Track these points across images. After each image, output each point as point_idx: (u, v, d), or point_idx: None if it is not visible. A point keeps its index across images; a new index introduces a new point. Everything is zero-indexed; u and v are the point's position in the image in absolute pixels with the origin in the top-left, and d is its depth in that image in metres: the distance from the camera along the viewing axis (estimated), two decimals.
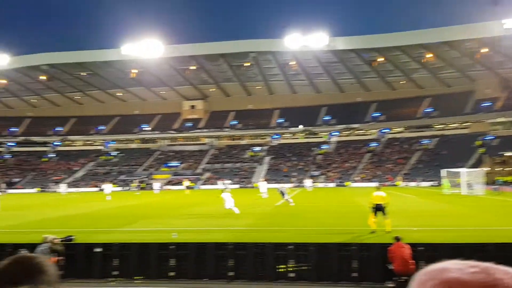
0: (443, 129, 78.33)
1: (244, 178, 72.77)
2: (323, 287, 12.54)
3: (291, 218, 23.14)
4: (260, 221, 21.76)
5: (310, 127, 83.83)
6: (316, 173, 72.27)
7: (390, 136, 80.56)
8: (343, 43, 69.28)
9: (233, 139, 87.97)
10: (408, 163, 71.37)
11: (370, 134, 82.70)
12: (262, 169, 75.65)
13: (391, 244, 11.12)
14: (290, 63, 76.83)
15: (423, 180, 62.26)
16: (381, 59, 72.82)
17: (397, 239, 10.95)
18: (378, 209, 16.92)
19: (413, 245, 12.39)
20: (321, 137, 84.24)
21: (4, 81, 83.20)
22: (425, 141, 75.73)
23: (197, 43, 74.59)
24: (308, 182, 57.14)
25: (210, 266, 13.78)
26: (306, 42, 68.43)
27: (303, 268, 13.23)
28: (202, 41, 75.76)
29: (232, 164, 78.31)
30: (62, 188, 60.99)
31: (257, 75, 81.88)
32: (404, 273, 10.67)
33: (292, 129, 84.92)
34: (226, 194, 25.09)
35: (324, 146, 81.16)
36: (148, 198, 43.03)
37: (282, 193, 29.63)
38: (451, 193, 41.61)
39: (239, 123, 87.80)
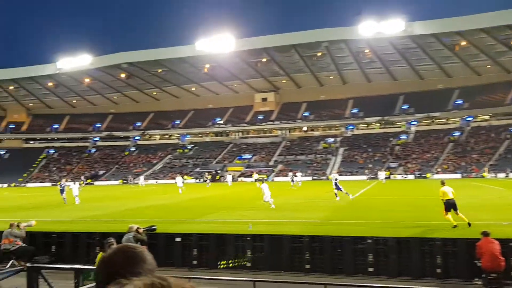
0: None
1: (317, 170, 72.00)
2: (404, 283, 11.95)
3: (367, 211, 22.41)
4: (336, 214, 21.28)
5: (386, 117, 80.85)
6: (394, 164, 69.73)
7: (475, 124, 75.58)
8: (421, 28, 65.92)
9: (306, 131, 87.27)
10: (495, 153, 66.61)
11: (452, 123, 78.13)
12: (336, 161, 74.39)
13: (478, 239, 10.37)
14: (364, 51, 74.55)
15: None
16: (464, 43, 68.40)
17: (486, 234, 10.18)
18: (451, 204, 15.97)
19: (503, 241, 11.43)
20: (399, 127, 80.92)
21: (88, 80, 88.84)
22: None
23: (268, 35, 74.66)
24: (381, 174, 55.36)
25: (286, 258, 13.68)
26: (381, 28, 66.01)
27: (382, 262, 12.75)
28: (273, 33, 75.84)
29: (305, 156, 77.77)
30: (141, 180, 64.19)
31: (329, 64, 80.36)
32: (494, 270, 9.93)
33: (368, 119, 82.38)
34: (265, 186, 24.49)
35: (402, 137, 78.01)
36: (222, 190, 43.90)
37: (337, 186, 28.54)
38: None
39: (312, 114, 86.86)
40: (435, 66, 76.86)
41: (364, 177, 62.85)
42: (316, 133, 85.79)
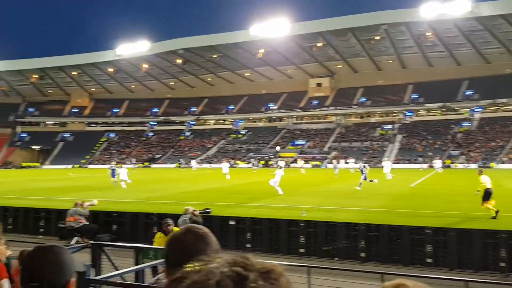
0: None
1: (373, 157, 70.33)
2: (464, 275, 11.42)
3: (427, 200, 21.63)
4: (394, 203, 20.67)
5: (448, 103, 77.20)
6: (455, 153, 66.70)
7: None
8: (489, 9, 62.07)
9: (362, 117, 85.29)
10: None
11: None
12: (393, 148, 72.31)
13: None
14: (426, 34, 71.35)
15: None
16: None
17: None
18: (490, 193, 16.16)
19: None
20: (462, 113, 77.03)
21: (146, 66, 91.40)
22: None
23: (324, 19, 73.19)
24: (437, 163, 52.87)
25: (340, 246, 13.47)
26: (444, 10, 62.79)
27: (441, 254, 12.28)
28: (329, 16, 74.11)
29: (360, 143, 76.15)
30: (193, 163, 65.70)
31: (388, 48, 77.68)
32: None
33: (428, 105, 78.99)
34: (279, 171, 25.45)
35: (465, 124, 74.29)
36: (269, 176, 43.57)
37: (362, 172, 28.20)
38: None
39: (368, 100, 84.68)
40: (503, 50, 72.27)
41: (423, 166, 60.62)
42: (372, 119, 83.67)
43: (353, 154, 71.02)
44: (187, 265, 0.82)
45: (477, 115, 75.20)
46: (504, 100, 73.32)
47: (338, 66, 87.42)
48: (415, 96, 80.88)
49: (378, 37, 74.11)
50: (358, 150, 73.44)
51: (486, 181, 16.53)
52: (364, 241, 13.01)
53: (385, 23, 68.42)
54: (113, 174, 31.87)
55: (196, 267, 0.80)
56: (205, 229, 1.69)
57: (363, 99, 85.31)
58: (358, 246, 13.03)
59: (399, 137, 75.21)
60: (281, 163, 57.96)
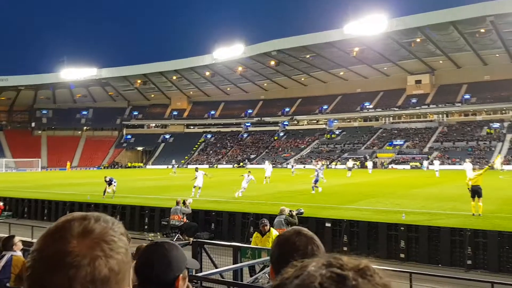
0: None
1: (480, 158, 65.32)
2: None
3: None
4: (506, 207, 18.98)
5: None
6: None
7: None
8: None
9: (466, 115, 79.62)
10: None
11: None
12: (502, 148, 66.56)
13: None
14: None
15: None
16: None
17: None
18: (476, 191, 16.11)
19: None
20: None
21: (240, 68, 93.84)
22: None
23: (424, 13, 69.44)
24: (497, 164, 43.77)
25: (444, 252, 12.72)
26: None
27: None
28: (429, 10, 70.15)
29: (465, 142, 71.13)
30: (290, 164, 65.91)
31: (495, 41, 71.59)
32: None
33: None
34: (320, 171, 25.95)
35: None
36: (363, 177, 42.34)
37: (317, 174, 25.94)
38: None
39: (473, 97, 78.85)
40: None
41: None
42: (478, 118, 77.75)
43: (457, 154, 66.63)
44: (284, 271, 0.85)
45: None
46: None
47: (439, 62, 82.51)
48: None
49: (483, 30, 68.55)
50: (463, 150, 68.68)
51: (471, 178, 16.85)
52: (470, 247, 12.16)
53: (491, 14, 63.12)
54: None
55: (294, 272, 0.82)
56: (311, 232, 1.73)
57: (467, 96, 79.65)
58: (464, 252, 12.19)
59: (509, 136, 69.06)
60: (369, 164, 55.50)
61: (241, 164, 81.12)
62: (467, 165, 30.96)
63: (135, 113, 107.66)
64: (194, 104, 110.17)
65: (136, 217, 18.91)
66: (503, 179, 37.99)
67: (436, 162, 43.13)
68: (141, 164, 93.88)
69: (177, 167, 51.80)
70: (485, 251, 12.20)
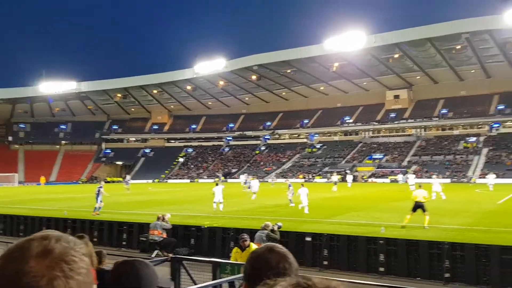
0: None
1: (457, 171, 66.55)
2: None
3: None
4: (482, 221, 19.31)
5: None
6: None
7: None
8: None
9: (443, 129, 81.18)
10: None
11: None
12: (479, 162, 67.90)
13: None
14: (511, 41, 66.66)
15: None
16: None
17: None
18: (418, 206, 17.30)
19: None
20: None
21: (222, 82, 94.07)
22: None
23: (401, 29, 70.96)
24: (490, 178, 44.36)
25: (423, 265, 12.83)
26: None
27: None
28: (407, 26, 71.71)
29: (442, 156, 72.42)
30: (270, 178, 65.95)
31: (470, 57, 73.51)
32: None
33: None
34: (303, 190, 24.94)
35: None
36: (345, 191, 42.65)
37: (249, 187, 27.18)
38: None
39: (450, 112, 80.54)
40: None
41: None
42: (455, 132, 79.35)
43: (435, 168, 67.65)
44: None
45: None
46: None
47: (417, 77, 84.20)
48: (501, 106, 75.68)
49: (459, 46, 70.37)
50: (441, 164, 69.89)
51: (415, 195, 17.79)
52: (448, 260, 12.30)
53: (466, 31, 64.90)
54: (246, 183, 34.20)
55: None
56: (285, 249, 1.71)
57: (444, 111, 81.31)
58: (442, 266, 12.33)
59: (484, 150, 70.56)
60: (349, 178, 55.90)
61: (222, 178, 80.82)
62: (434, 181, 31.72)
63: (115, 127, 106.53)
64: (175, 118, 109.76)
65: (114, 233, 18.61)
66: (480, 192, 38.69)
67: (411, 177, 43.28)
68: (121, 179, 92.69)
69: (130, 183, 50.73)
70: (463, 264, 12.34)
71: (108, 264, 5.34)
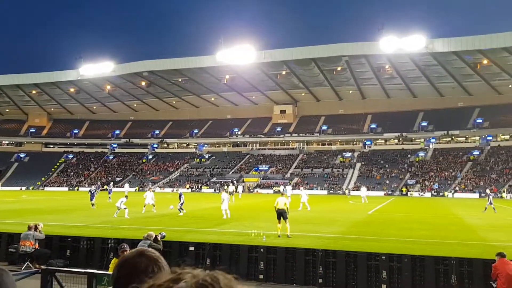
0: None
1: (334, 184, 71.56)
2: None
3: (383, 227, 22.18)
4: (352, 229, 21.05)
5: (405, 133, 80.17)
6: (411, 181, 68.89)
7: (495, 144, 74.39)
8: (442, 45, 65.38)
9: (323, 144, 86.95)
10: None
11: (472, 142, 77.11)
12: (353, 176, 73.80)
13: (494, 260, 10.19)
14: (385, 67, 74.18)
15: None
16: (485, 62, 67.50)
17: (502, 255, 9.98)
18: (280, 214, 17.55)
19: None
20: (418, 144, 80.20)
21: (109, 87, 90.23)
22: None
23: (289, 48, 74.89)
24: (363, 191, 46.68)
25: (299, 271, 13.58)
26: (402, 45, 65.58)
27: (396, 280, 12.58)
28: (295, 46, 76.01)
29: (321, 169, 77.38)
30: (126, 187, 61.19)
31: (349, 79, 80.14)
32: None
33: (386, 135, 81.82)
34: (225, 195, 26.64)
35: (420, 154, 77.12)
36: (236, 201, 43.72)
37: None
38: None
39: (330, 128, 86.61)
40: (456, 84, 76.01)
41: (381, 193, 62.27)
42: (333, 147, 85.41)
43: (315, 180, 72.09)
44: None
45: (431, 146, 78.33)
46: (456, 132, 77.00)
47: (302, 94, 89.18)
48: (373, 125, 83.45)
49: (339, 68, 76.39)
50: (319, 176, 74.57)
51: (278, 202, 17.93)
52: (322, 267, 13.17)
53: (346, 55, 70.68)
54: (92, 196, 31.37)
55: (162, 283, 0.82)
56: (157, 253, 1.66)
57: (324, 127, 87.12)
58: (316, 272, 13.16)
59: (358, 165, 76.93)
60: (240, 189, 57.58)
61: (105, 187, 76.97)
62: (302, 192, 34.10)
63: None
64: (55, 122, 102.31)
65: None
66: (353, 203, 42.03)
67: (288, 188, 45.07)
68: None
69: None
70: (335, 270, 13.26)
71: None
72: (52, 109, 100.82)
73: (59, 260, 14.86)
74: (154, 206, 29.81)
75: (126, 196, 27.88)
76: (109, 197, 40.10)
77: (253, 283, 13.06)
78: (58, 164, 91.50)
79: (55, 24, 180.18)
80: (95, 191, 32.99)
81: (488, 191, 40.21)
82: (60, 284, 7.34)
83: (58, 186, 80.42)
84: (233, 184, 61.86)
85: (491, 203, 32.58)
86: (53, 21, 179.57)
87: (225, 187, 50.52)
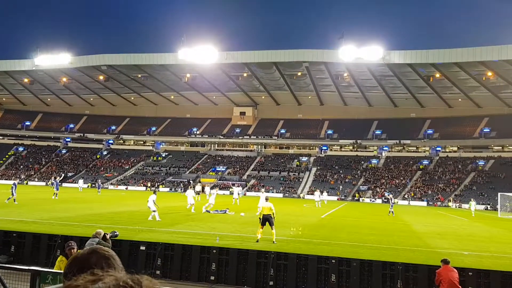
0: (501, 151, 74.64)
1: (289, 187, 72.37)
2: None
3: (335, 231, 22.69)
4: (304, 232, 21.39)
5: (360, 141, 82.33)
6: (363, 187, 70.72)
7: (444, 154, 77.70)
8: (398, 57, 67.59)
9: (281, 148, 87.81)
10: (461, 184, 68.40)
11: (422, 152, 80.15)
12: (308, 180, 74.91)
13: (439, 266, 10.66)
14: (343, 75, 75.85)
15: (477, 203, 59.32)
16: (438, 75, 70.39)
17: (446, 262, 10.45)
18: (266, 219, 17.37)
19: (462, 270, 11.81)
20: (371, 151, 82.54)
21: (65, 79, 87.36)
22: (481, 162, 72.34)
23: (251, 51, 75.17)
24: (324, 195, 49.00)
25: (251, 273, 13.68)
26: (360, 54, 67.27)
27: (344, 283, 12.91)
28: (257, 49, 76.25)
29: (278, 172, 78.08)
30: (80, 183, 60.99)
31: (308, 85, 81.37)
32: None
33: (342, 141, 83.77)
34: (190, 192, 28.79)
35: (373, 161, 79.39)
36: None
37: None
38: (508, 218, 39.37)
39: (288, 132, 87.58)
40: (409, 95, 78.79)
41: (335, 198, 63.60)
42: (291, 151, 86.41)
43: (271, 183, 72.60)
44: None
45: (384, 154, 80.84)
46: (408, 141, 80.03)
47: (262, 97, 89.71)
48: (330, 131, 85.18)
49: (300, 73, 77.42)
50: (276, 179, 75.23)
51: (263, 208, 17.91)
52: (273, 269, 13.31)
53: (306, 60, 71.72)
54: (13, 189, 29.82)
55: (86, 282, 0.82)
56: (111, 251, 1.67)
57: (283, 131, 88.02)
58: (268, 274, 13.30)
59: (313, 170, 78.20)
60: (197, 188, 57.07)
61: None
62: (262, 194, 34.27)
63: None
64: (5, 112, 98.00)
65: None
66: (307, 207, 42.71)
67: (236, 190, 45.21)
68: None
69: None
70: (285, 272, 13.43)
71: None
72: (4, 99, 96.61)
73: (2, 256, 14.32)
74: (193, 205, 29.93)
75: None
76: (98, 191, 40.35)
77: (204, 285, 13.06)
78: (7, 156, 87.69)
79: (11, 13, 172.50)
80: (57, 183, 32.47)
81: (389, 195, 43.65)
82: (2, 281, 7.09)
83: (6, 179, 76.84)
84: (189, 183, 61.41)
85: (391, 206, 35.48)
86: (10, 9, 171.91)
87: (191, 186, 50.00)
